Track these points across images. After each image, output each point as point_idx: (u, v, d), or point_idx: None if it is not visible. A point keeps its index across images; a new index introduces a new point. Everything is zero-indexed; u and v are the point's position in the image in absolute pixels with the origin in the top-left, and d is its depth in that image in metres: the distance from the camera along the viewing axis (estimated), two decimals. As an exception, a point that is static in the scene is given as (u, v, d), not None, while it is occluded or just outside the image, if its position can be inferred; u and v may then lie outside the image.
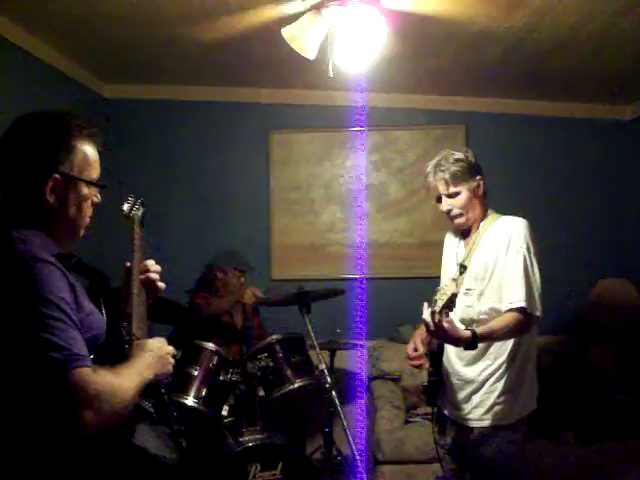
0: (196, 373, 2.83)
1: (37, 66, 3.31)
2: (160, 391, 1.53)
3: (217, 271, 3.72)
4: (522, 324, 2.10)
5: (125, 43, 3.35)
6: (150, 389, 1.43)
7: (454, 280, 1.95)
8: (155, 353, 1.46)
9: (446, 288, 1.93)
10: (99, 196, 1.50)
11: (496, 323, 2.10)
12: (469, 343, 2.01)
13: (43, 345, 1.17)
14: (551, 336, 3.85)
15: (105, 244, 3.42)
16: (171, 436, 1.51)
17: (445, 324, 1.95)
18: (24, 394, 1.19)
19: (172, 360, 1.54)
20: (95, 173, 1.47)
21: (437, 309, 1.93)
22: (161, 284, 1.77)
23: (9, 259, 1.25)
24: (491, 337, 2.10)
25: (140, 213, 1.96)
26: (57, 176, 1.37)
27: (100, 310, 1.45)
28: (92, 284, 1.50)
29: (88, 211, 1.47)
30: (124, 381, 1.28)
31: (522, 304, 2.09)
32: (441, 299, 1.93)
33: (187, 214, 4.31)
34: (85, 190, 1.44)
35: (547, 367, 3.45)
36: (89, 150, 1.45)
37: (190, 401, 2.77)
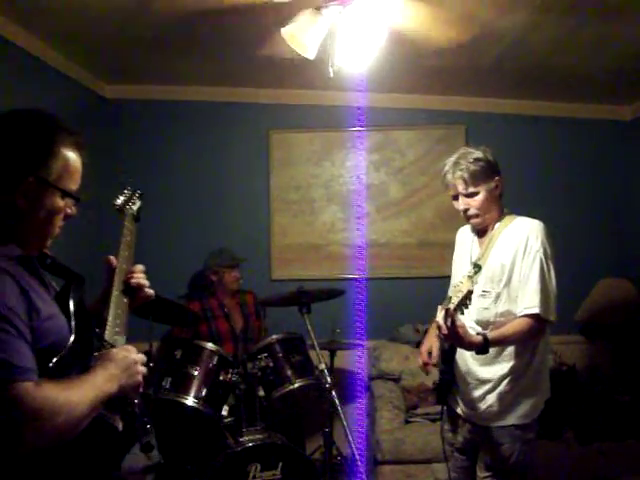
0: (196, 373, 2.83)
1: (37, 66, 3.31)
2: (129, 403, 1.39)
3: (210, 274, 3.74)
4: (535, 330, 2.11)
5: (126, 43, 3.35)
6: (118, 401, 1.33)
7: (470, 277, 1.94)
8: (119, 364, 1.34)
9: (461, 285, 1.93)
10: (74, 209, 1.41)
11: (508, 329, 2.10)
12: (481, 348, 2.02)
13: None
14: (551, 336, 3.83)
15: (105, 241, 3.42)
16: (141, 451, 1.38)
17: (459, 330, 1.96)
18: None
19: (142, 369, 1.40)
20: (74, 184, 1.39)
21: (452, 306, 1.93)
22: (150, 291, 1.64)
23: None
24: (503, 342, 2.11)
25: (135, 208, 1.86)
26: (32, 179, 1.30)
27: (67, 313, 1.35)
28: (65, 285, 1.42)
29: (59, 222, 1.39)
30: (72, 397, 1.18)
31: (536, 310, 2.09)
32: (456, 296, 1.93)
33: (187, 214, 4.31)
34: (59, 200, 1.35)
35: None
36: (72, 159, 1.37)
37: (190, 401, 2.77)
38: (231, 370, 2.93)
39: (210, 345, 2.95)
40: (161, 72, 3.96)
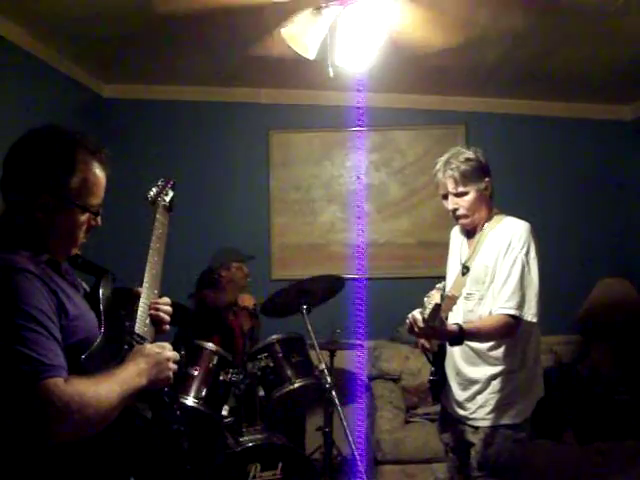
0: (196, 373, 2.83)
1: (37, 66, 3.31)
2: (158, 393, 1.46)
3: (221, 270, 3.70)
4: (509, 329, 2.10)
5: (125, 43, 3.35)
6: (147, 391, 1.38)
7: (438, 289, 1.94)
8: (151, 359, 1.39)
9: (431, 298, 1.92)
10: (99, 220, 1.44)
11: (483, 323, 2.11)
12: (455, 338, 2.02)
13: (15, 357, 1.17)
14: (551, 336, 3.84)
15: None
16: (170, 438, 1.47)
17: (435, 323, 1.94)
18: None
19: (173, 366, 1.46)
20: (95, 199, 1.41)
21: (425, 317, 1.93)
22: (166, 327, 1.67)
23: None
24: (477, 334, 2.09)
25: (168, 198, 1.86)
26: (47, 196, 1.33)
27: (98, 309, 1.42)
28: (96, 282, 1.49)
29: (81, 234, 1.42)
30: (101, 391, 1.24)
31: (512, 311, 2.08)
32: (428, 307, 1.92)
33: (187, 214, 4.29)
34: (79, 215, 1.38)
35: (547, 367, 3.45)
36: (92, 174, 1.39)
37: (190, 401, 2.77)
38: (231, 370, 2.92)
39: (210, 345, 2.95)
40: (161, 72, 3.96)
